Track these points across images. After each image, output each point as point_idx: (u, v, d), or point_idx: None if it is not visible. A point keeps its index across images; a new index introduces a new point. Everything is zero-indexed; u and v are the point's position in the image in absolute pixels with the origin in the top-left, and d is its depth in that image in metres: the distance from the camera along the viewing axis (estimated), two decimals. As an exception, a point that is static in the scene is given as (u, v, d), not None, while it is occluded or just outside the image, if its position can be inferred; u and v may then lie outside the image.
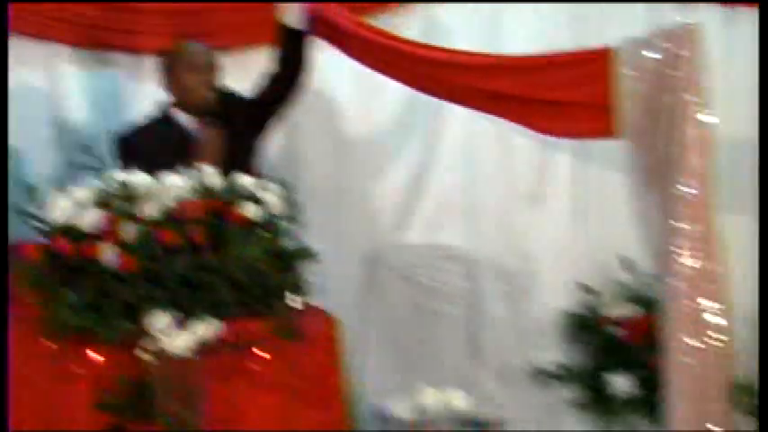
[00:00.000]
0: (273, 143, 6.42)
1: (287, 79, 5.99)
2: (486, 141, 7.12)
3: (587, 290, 6.74)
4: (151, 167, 5.59)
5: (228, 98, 6.24)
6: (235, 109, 6.15)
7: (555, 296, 7.02)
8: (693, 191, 5.03)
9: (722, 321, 5.07)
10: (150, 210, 5.11)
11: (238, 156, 5.94)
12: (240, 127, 5.99)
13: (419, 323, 7.06)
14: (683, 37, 5.12)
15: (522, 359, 6.90)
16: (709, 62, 5.15)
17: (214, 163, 5.26)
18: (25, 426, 5.08)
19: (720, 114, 5.13)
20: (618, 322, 6.41)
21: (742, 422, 5.19)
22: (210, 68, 6.16)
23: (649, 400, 5.95)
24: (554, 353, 6.75)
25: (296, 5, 5.96)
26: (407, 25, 6.93)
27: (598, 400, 6.39)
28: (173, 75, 6.14)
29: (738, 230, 6.70)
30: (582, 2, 7.20)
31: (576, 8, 7.21)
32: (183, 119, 6.14)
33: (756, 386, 5.10)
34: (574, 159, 7.20)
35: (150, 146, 6.03)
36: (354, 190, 7.14)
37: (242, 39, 6.78)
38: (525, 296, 7.17)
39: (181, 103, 6.14)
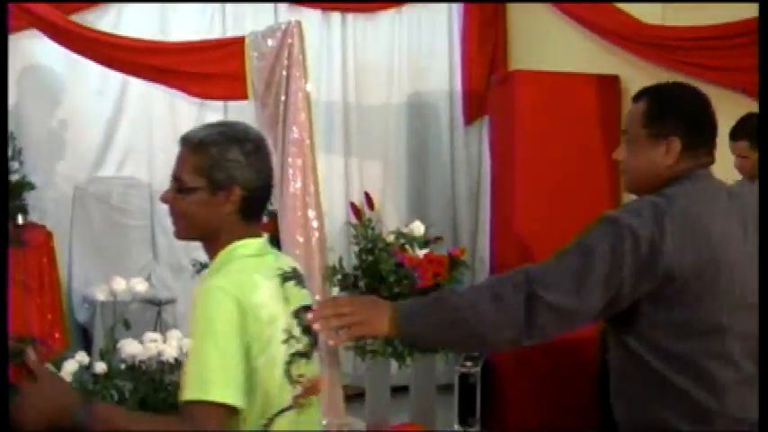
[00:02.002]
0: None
1: None
2: (158, 102, 7.13)
3: None
4: None
5: None
6: None
7: None
8: (297, 136, 5.16)
9: (317, 223, 5.23)
10: None
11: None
12: None
13: (114, 233, 7.09)
14: (290, 31, 5.22)
15: (187, 256, 6.72)
16: (308, 48, 5.31)
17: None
18: None
19: (314, 83, 5.32)
20: None
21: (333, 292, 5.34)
22: None
23: None
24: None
25: None
26: (99, 20, 6.86)
27: None
28: None
29: (328, 162, 7.13)
30: (226, 2, 7.27)
31: (223, 10, 7.28)
32: None
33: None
34: (221, 114, 7.13)
35: None
36: (66, 140, 6.99)
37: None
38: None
39: None
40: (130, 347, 5.39)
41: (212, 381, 2.46)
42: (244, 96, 5.40)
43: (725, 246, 2.68)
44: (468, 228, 7.78)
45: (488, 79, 7.40)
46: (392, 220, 6.71)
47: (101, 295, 5.75)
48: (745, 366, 2.69)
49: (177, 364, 5.40)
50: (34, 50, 6.73)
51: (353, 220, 5.38)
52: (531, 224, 6.17)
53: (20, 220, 5.35)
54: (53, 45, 6.12)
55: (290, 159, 5.18)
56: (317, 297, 5.17)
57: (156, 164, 7.18)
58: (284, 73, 5.20)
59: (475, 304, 2.70)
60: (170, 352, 5.41)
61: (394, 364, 5.22)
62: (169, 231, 7.25)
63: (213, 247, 2.70)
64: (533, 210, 6.20)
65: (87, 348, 5.90)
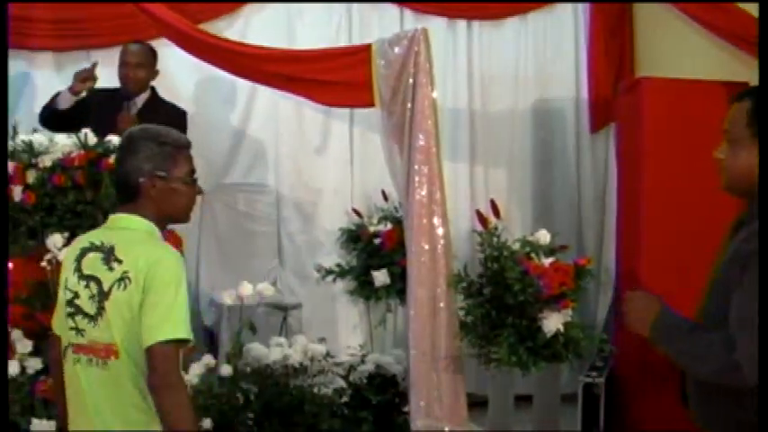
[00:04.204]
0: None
1: None
2: (285, 110, 7.20)
3: (357, 213, 6.74)
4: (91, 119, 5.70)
5: (157, 100, 6.25)
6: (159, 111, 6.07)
7: (335, 219, 7.07)
8: (423, 143, 5.12)
9: (443, 230, 5.17)
10: (45, 160, 5.24)
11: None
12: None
13: (240, 239, 7.18)
14: (417, 38, 5.16)
15: (312, 262, 6.95)
16: (433, 56, 5.24)
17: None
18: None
19: (440, 91, 5.29)
20: (378, 234, 6.40)
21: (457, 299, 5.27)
22: (140, 65, 6.12)
23: (400, 287, 5.93)
24: (334, 257, 6.77)
25: None
26: (228, 29, 7.00)
27: (365, 289, 6.40)
28: (120, 64, 6.12)
29: (454, 169, 7.09)
30: (353, 1, 7.33)
31: (349, 18, 7.36)
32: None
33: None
34: (347, 122, 7.33)
35: (97, 103, 6.03)
36: (195, 146, 7.00)
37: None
38: (314, 219, 7.29)
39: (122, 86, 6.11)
40: (256, 351, 5.46)
41: None
42: (370, 104, 5.37)
43: None
44: (593, 237, 7.69)
45: (615, 86, 7.28)
46: (517, 227, 6.66)
47: (228, 299, 5.83)
48: None
49: (302, 369, 5.46)
50: (164, 59, 6.84)
51: (479, 227, 5.35)
52: (658, 236, 6.05)
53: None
54: (183, 54, 6.18)
55: (415, 167, 5.14)
56: (441, 304, 5.17)
57: (283, 171, 7.26)
58: (410, 80, 5.16)
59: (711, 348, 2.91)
60: (295, 357, 5.46)
61: (518, 372, 5.18)
62: (295, 237, 7.38)
63: None
64: (661, 221, 6.07)
65: (213, 351, 5.99)
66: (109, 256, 3.21)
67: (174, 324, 3.12)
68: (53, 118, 6.02)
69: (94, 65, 6.07)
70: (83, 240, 3.37)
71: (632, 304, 3.15)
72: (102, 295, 3.18)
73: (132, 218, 3.30)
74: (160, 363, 3.08)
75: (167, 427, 3.11)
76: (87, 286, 3.22)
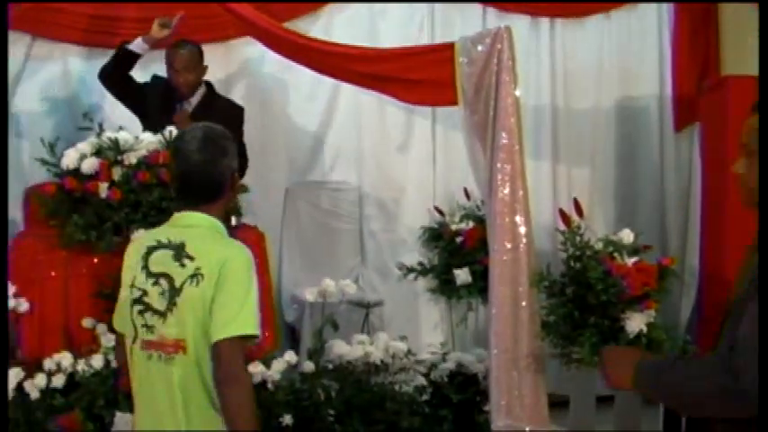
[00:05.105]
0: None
1: None
2: (368, 108, 7.20)
3: (439, 211, 6.73)
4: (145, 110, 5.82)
5: (213, 96, 6.24)
6: (214, 107, 6.09)
7: (418, 217, 7.08)
8: (506, 141, 5.07)
9: (525, 229, 5.11)
10: (131, 157, 5.29)
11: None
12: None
13: (322, 236, 7.19)
14: (500, 36, 5.12)
15: (394, 260, 6.98)
16: (516, 54, 5.20)
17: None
18: (48, 306, 5.24)
19: (523, 88, 5.26)
20: (459, 233, 6.39)
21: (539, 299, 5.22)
22: (188, 68, 6.09)
23: (481, 286, 5.87)
24: (416, 255, 6.77)
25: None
26: (311, 27, 7.00)
27: (447, 288, 6.39)
28: (168, 67, 6.12)
29: (537, 168, 7.02)
30: (439, 1, 7.31)
31: (432, 16, 7.34)
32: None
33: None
34: (429, 120, 7.30)
35: (151, 95, 6.09)
36: (278, 143, 7.16)
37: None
38: (396, 217, 7.28)
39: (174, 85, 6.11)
40: (339, 348, 5.46)
41: None
42: (453, 102, 5.33)
43: None
44: (676, 236, 7.58)
45: (700, 85, 7.19)
46: (600, 226, 6.57)
47: (310, 296, 5.86)
48: None
49: (383, 366, 5.45)
50: (249, 56, 6.89)
51: (561, 226, 5.29)
52: (744, 237, 5.92)
53: (233, 221, 5.45)
54: (267, 51, 6.21)
55: (498, 165, 5.09)
56: (523, 303, 5.10)
57: (366, 169, 7.27)
58: (493, 78, 5.11)
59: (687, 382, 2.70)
60: (377, 354, 5.45)
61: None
62: (377, 235, 7.38)
63: None
64: (747, 223, 5.94)
65: (294, 347, 6.00)
66: (179, 252, 3.24)
67: (244, 320, 3.17)
68: (117, 65, 6.07)
69: (180, 17, 6.09)
70: (147, 239, 3.40)
71: (610, 357, 2.98)
72: (174, 291, 3.21)
73: (199, 215, 3.34)
74: (227, 357, 3.14)
75: (230, 420, 3.16)
76: (157, 283, 3.25)
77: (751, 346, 2.55)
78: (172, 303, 3.21)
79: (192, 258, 3.21)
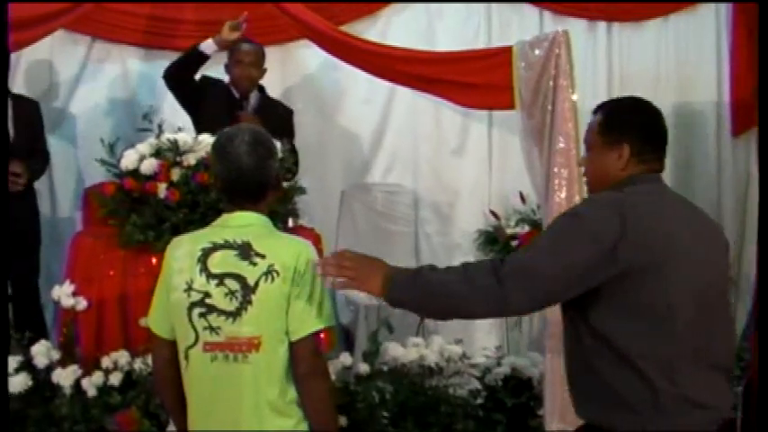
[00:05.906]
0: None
1: None
2: (423, 111, 7.20)
3: (494, 215, 6.74)
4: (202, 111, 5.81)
5: (267, 98, 6.26)
6: (270, 109, 6.13)
7: (473, 220, 7.09)
8: (563, 145, 5.04)
9: None
10: (190, 159, 5.31)
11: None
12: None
13: (378, 238, 7.15)
14: (557, 40, 5.10)
15: (449, 263, 6.91)
16: (574, 58, 5.17)
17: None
18: (107, 303, 5.27)
19: (580, 93, 5.23)
20: (515, 237, 6.38)
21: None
22: (254, 64, 6.13)
23: None
24: (471, 258, 6.46)
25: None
26: (368, 30, 7.03)
27: None
28: (229, 64, 6.16)
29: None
30: (498, 1, 7.32)
31: (489, 19, 7.34)
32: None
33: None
34: (485, 124, 7.30)
35: (211, 94, 6.11)
36: (335, 146, 7.20)
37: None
38: (451, 220, 7.29)
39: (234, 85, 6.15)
40: (394, 351, 5.44)
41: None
42: (510, 106, 5.31)
43: (672, 237, 3.05)
44: (733, 242, 7.44)
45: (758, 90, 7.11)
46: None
47: (365, 299, 5.83)
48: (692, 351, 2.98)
49: (438, 369, 5.43)
50: (306, 59, 6.91)
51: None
52: (801, 243, 5.85)
53: (290, 222, 5.46)
54: (324, 54, 6.22)
55: (555, 169, 5.04)
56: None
57: (421, 172, 7.28)
58: (551, 83, 5.08)
59: (448, 283, 2.95)
60: (431, 357, 5.43)
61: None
62: (432, 238, 7.35)
63: None
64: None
65: (349, 349, 5.99)
66: (247, 251, 3.24)
67: (323, 313, 3.25)
68: (184, 66, 6.08)
69: (245, 19, 6.07)
70: (198, 241, 3.35)
71: (360, 262, 3.09)
72: (248, 290, 3.20)
73: (252, 215, 3.34)
74: (311, 351, 3.23)
75: (316, 411, 3.22)
76: (221, 284, 3.23)
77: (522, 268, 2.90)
78: (246, 302, 3.20)
79: (263, 256, 3.22)
